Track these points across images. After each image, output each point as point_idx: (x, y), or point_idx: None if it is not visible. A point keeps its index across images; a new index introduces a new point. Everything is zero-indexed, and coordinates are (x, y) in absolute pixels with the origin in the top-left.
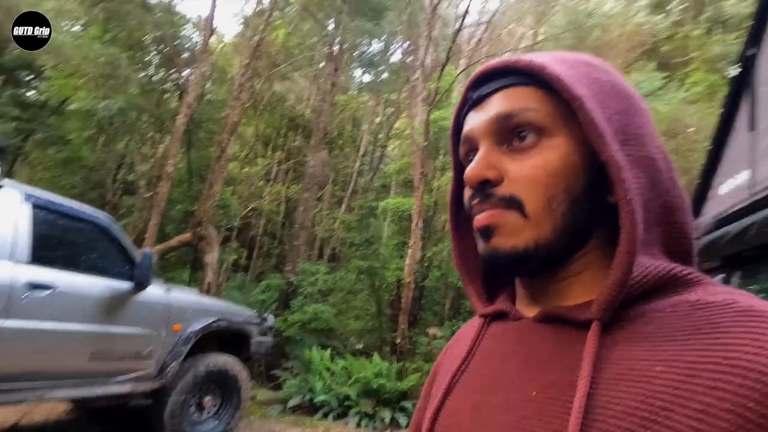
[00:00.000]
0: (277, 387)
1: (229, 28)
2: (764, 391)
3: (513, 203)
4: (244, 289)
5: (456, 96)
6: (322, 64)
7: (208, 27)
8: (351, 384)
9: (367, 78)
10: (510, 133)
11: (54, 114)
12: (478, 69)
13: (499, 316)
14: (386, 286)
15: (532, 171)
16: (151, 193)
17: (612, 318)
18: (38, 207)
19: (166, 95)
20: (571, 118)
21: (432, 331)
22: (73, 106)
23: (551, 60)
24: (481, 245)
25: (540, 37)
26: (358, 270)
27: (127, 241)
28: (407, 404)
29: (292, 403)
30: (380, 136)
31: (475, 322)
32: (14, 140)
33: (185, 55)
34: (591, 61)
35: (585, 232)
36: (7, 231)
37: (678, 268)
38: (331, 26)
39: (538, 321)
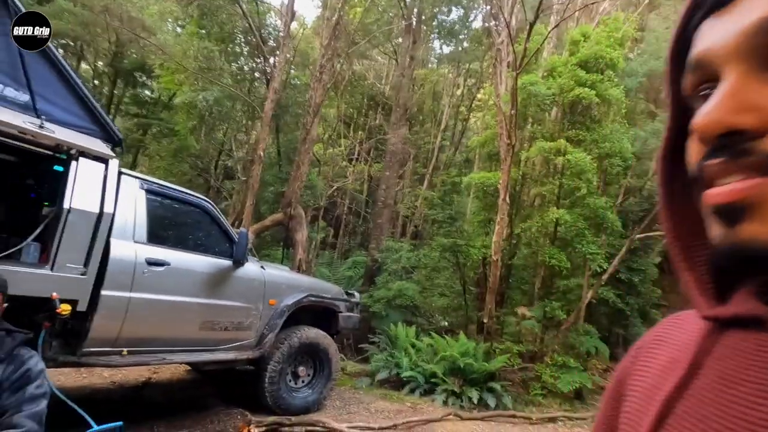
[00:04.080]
0: (365, 360)
1: (309, 12)
2: None
3: None
4: (332, 266)
5: (546, 59)
6: (400, 39)
7: (289, 12)
8: (437, 362)
9: (446, 50)
10: None
11: (165, 109)
12: None
13: (740, 322)
14: (471, 263)
15: None
16: (246, 177)
17: None
18: (151, 193)
19: (255, 83)
20: None
21: (521, 311)
22: (177, 100)
23: None
24: (719, 231)
25: None
26: (441, 247)
27: (226, 222)
28: (495, 385)
29: (380, 376)
30: (462, 109)
31: (687, 323)
32: (135, 134)
33: (270, 42)
34: None
35: None
36: (128, 215)
37: None
38: None
39: None
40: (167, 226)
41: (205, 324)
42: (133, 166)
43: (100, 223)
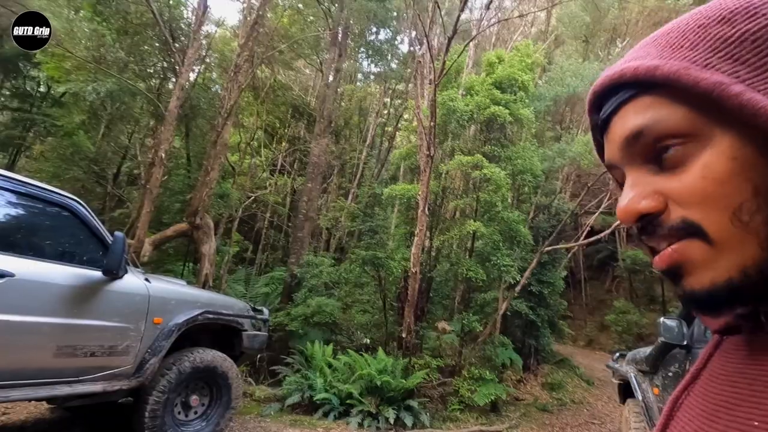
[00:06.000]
0: (278, 384)
1: (230, 15)
2: None
3: (689, 230)
4: (248, 283)
5: (465, 78)
6: (327, 55)
7: (201, 4)
8: (353, 381)
9: (374, 69)
10: (654, 149)
11: (56, 105)
12: (591, 88)
13: (736, 329)
14: (393, 278)
15: (696, 185)
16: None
17: None
18: None
19: (168, 84)
20: (721, 108)
21: (441, 325)
22: (60, 89)
23: (665, 45)
24: (675, 289)
25: (553, 19)
26: (362, 261)
27: (100, 226)
28: (413, 403)
29: (290, 401)
30: (388, 128)
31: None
32: (13, 131)
33: (183, 39)
34: (723, 7)
35: None
36: None
37: None
38: (334, 9)
39: None
40: (15, 228)
41: (63, 349)
42: (10, 169)
43: None
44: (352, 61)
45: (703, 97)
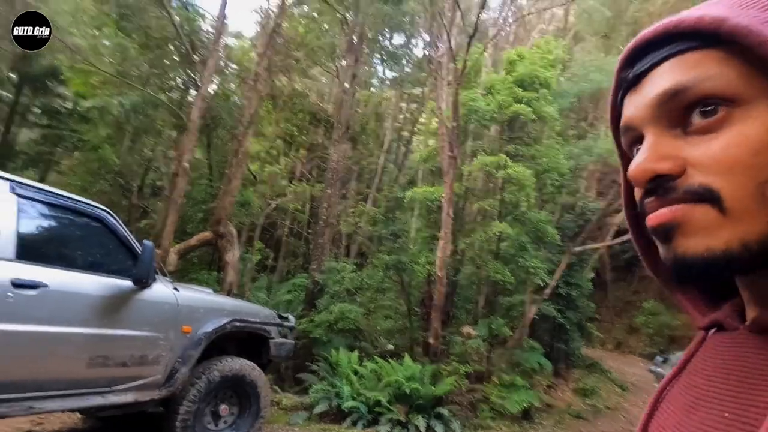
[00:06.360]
0: (304, 391)
1: (248, 26)
2: None
3: (705, 195)
4: (271, 290)
5: (484, 77)
6: (343, 62)
7: (220, 16)
8: (381, 389)
9: (389, 74)
10: (684, 112)
11: (83, 121)
12: (631, 42)
13: (719, 326)
14: (416, 282)
15: (729, 151)
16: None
17: None
18: (25, 198)
19: (189, 97)
20: None
21: (466, 330)
22: (87, 103)
23: (727, 7)
24: (662, 249)
25: (571, 16)
26: (384, 266)
27: (129, 235)
28: (443, 410)
29: (318, 409)
30: (404, 132)
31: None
32: (42, 147)
33: (203, 51)
34: None
35: None
36: None
37: None
38: (349, 16)
39: (753, 330)
40: (48, 239)
41: (95, 360)
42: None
43: None
44: (367, 68)
45: (762, 60)
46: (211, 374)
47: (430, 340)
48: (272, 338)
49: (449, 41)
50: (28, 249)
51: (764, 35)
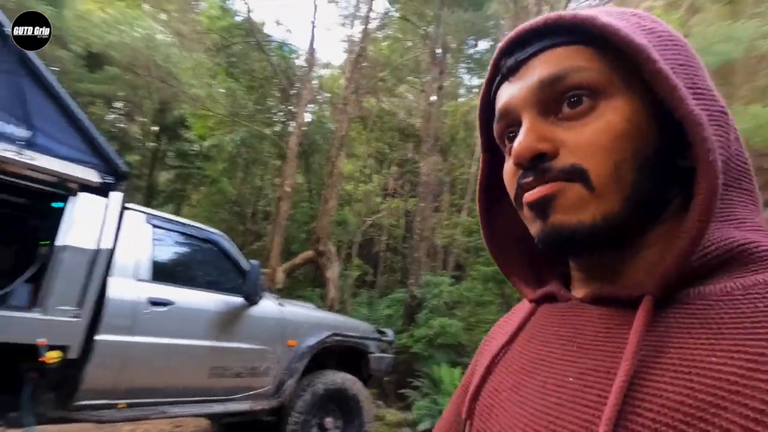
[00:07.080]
0: (407, 407)
1: (336, 55)
2: None
3: (576, 174)
4: (371, 305)
5: None
6: (428, 76)
7: (310, 50)
8: None
9: (476, 81)
10: (557, 100)
11: (205, 160)
12: (511, 32)
13: (550, 299)
14: (518, 295)
15: (595, 136)
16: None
17: (668, 299)
18: (159, 228)
19: (285, 125)
20: (631, 75)
21: None
22: (206, 143)
23: (596, 13)
24: (536, 225)
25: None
26: (484, 277)
27: (240, 255)
28: None
29: (422, 426)
30: None
31: (522, 307)
32: (175, 185)
33: (298, 85)
34: (638, 12)
35: (653, 204)
36: (131, 251)
37: (752, 242)
38: (431, 29)
39: (587, 301)
40: (175, 262)
41: (215, 370)
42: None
43: (97, 261)
44: (452, 78)
45: (625, 58)
46: (316, 387)
47: None
48: (371, 353)
49: None
50: (160, 271)
51: (629, 35)
